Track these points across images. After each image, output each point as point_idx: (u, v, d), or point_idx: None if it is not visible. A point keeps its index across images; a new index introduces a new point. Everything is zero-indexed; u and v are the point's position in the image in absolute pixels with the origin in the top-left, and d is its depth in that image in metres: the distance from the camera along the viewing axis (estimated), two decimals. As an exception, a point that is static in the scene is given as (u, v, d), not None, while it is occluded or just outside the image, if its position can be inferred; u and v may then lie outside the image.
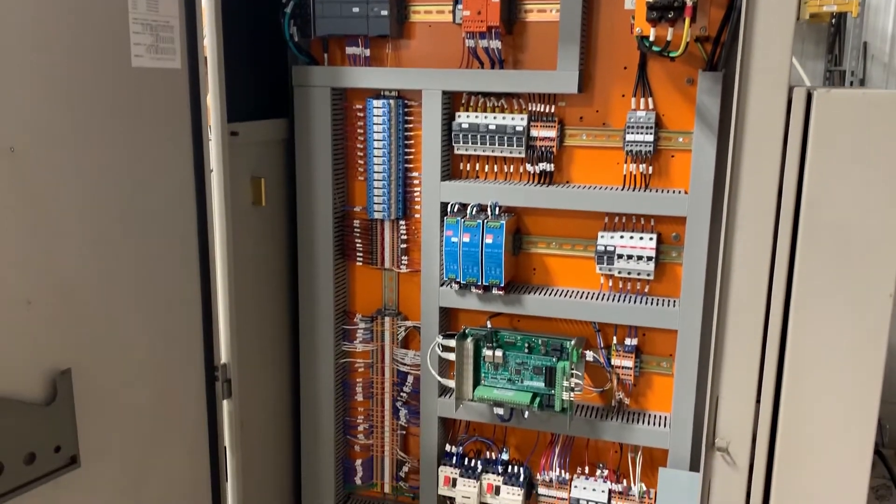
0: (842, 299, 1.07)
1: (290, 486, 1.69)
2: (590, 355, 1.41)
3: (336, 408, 1.63)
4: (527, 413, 1.39)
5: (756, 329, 1.11)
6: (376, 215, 1.50)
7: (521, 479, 1.48)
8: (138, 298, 1.20)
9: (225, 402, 1.40)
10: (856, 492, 1.13)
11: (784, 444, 1.14)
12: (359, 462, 1.67)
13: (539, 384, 1.40)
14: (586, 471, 1.49)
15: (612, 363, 1.44)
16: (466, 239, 1.39)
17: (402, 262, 1.54)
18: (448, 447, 1.55)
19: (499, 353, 1.41)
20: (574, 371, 1.37)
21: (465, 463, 1.52)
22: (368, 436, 1.66)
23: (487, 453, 1.54)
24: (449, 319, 1.55)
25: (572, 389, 1.37)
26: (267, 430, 1.59)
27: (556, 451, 1.49)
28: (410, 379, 1.59)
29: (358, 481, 1.68)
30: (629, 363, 1.43)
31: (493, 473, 1.50)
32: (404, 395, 1.60)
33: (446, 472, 1.52)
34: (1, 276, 0.97)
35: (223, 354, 1.38)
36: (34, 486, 1.04)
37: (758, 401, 1.15)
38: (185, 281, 1.29)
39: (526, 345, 1.40)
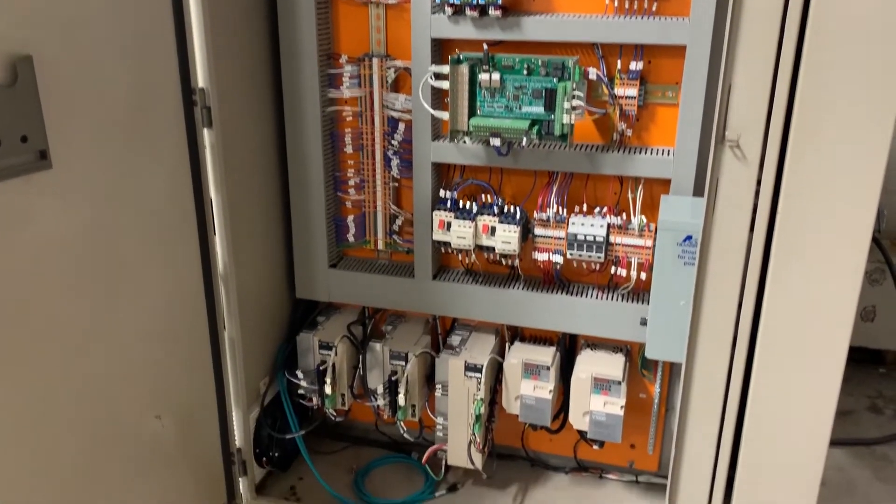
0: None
1: (280, 246, 1.65)
2: (592, 73, 1.33)
3: (325, 161, 1.56)
4: (525, 141, 1.32)
5: (776, 10, 1.02)
6: (360, -66, 1.37)
7: (518, 218, 1.43)
8: (100, -6, 1.10)
9: (206, 132, 1.33)
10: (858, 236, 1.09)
11: (794, 149, 1.08)
12: (350, 218, 1.62)
13: (538, 109, 1.33)
14: (584, 209, 1.45)
15: (616, 93, 1.36)
16: (460, -50, 1.27)
17: (390, -9, 1.42)
18: (442, 193, 1.50)
19: (496, 76, 1.32)
20: (576, 92, 1.29)
21: (460, 207, 1.48)
22: (359, 190, 1.60)
23: (483, 197, 1.49)
24: (441, 55, 1.45)
25: (573, 110, 1.29)
26: (253, 180, 1.52)
27: (554, 189, 1.44)
28: (402, 127, 1.52)
29: (350, 238, 1.64)
30: (633, 91, 1.35)
31: (489, 215, 1.45)
32: (395, 143, 1.53)
33: (440, 216, 1.47)
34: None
35: (200, 78, 1.29)
36: (3, 179, 0.99)
37: (771, 96, 1.08)
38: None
39: (525, 66, 1.31)
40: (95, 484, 1.23)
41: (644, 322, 1.38)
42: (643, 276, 1.42)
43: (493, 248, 1.46)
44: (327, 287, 1.65)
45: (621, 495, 1.66)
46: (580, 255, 1.42)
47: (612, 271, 1.44)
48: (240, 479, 1.58)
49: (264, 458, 1.63)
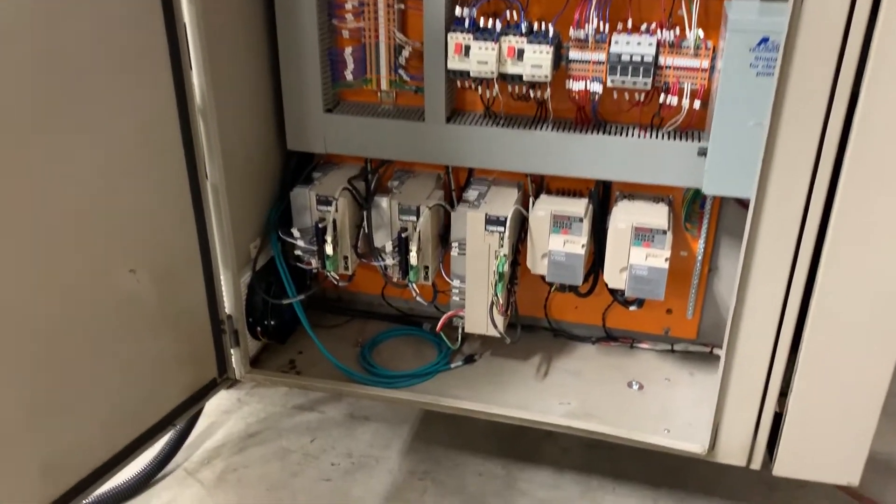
0: None
1: (267, 87, 1.41)
2: None
3: (317, -22, 1.31)
4: (564, -71, 1.09)
5: None
6: None
7: (549, 37, 1.21)
8: None
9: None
10: None
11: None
12: (348, 52, 1.39)
13: None
14: (629, 27, 1.22)
15: None
16: None
17: None
18: (458, 11, 1.26)
19: None
20: None
21: (480, 27, 1.25)
22: (358, 17, 1.36)
23: (508, 14, 1.26)
24: None
25: None
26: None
27: (593, 2, 1.21)
28: (408, -69, 1.27)
29: (349, 77, 1.41)
30: None
31: (515, 35, 1.22)
32: (401, -47, 1.28)
33: (457, 38, 1.24)
34: None
35: None
36: None
37: None
38: None
39: None
40: (67, 350, 1.05)
41: (703, 152, 1.17)
42: (696, 105, 1.21)
43: (521, 77, 1.23)
44: (323, 136, 1.43)
45: (655, 364, 1.50)
46: (623, 82, 1.20)
47: (661, 101, 1.23)
48: (231, 350, 1.40)
49: (259, 329, 1.45)
